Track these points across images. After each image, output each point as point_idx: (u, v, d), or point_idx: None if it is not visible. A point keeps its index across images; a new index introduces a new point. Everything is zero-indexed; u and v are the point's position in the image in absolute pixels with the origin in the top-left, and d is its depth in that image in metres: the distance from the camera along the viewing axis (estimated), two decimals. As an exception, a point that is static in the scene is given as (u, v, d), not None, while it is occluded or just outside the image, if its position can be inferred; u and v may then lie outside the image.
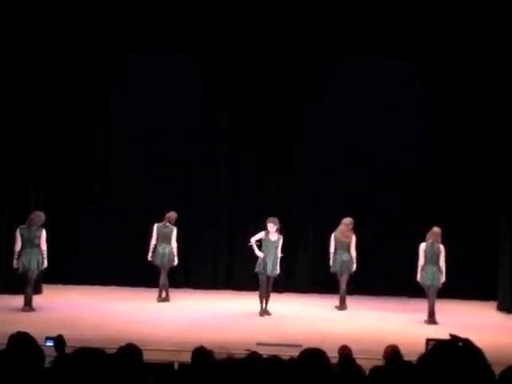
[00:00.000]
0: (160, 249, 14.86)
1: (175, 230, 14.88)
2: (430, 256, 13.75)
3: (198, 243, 16.40)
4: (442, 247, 13.80)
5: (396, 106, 16.34)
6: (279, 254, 14.08)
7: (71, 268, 16.06)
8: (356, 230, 14.74)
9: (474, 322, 13.32)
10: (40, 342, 4.35)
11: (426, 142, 16.32)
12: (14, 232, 13.74)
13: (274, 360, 4.92)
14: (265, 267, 13.93)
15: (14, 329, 4.41)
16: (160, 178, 16.31)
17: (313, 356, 4.46)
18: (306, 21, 15.65)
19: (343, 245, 14.64)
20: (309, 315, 13.93)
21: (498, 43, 15.13)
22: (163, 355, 9.56)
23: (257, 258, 14.03)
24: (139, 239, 15.45)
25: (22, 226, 13.68)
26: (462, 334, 2.72)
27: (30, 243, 13.59)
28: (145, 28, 15.68)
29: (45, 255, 13.68)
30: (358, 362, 7.29)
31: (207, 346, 6.73)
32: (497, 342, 10.93)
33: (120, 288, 15.72)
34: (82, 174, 16.63)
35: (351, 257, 14.63)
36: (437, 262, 13.72)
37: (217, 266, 16.63)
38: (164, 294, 14.94)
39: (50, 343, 8.02)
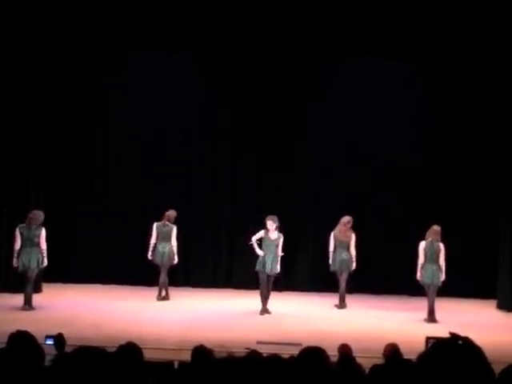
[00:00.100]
0: (160, 247, 14.86)
1: (175, 229, 14.88)
2: (430, 254, 13.75)
3: (197, 243, 16.41)
4: (441, 245, 13.80)
5: (396, 106, 16.34)
6: (280, 253, 14.09)
7: (71, 267, 16.06)
8: (356, 229, 14.74)
9: (473, 320, 13.31)
10: (40, 340, 4.35)
11: (426, 142, 16.32)
12: (14, 231, 13.75)
13: (274, 358, 4.93)
14: (264, 265, 13.94)
15: (13, 327, 4.41)
16: (160, 178, 16.30)
17: (313, 354, 4.46)
18: (306, 21, 15.65)
19: (343, 243, 14.65)
20: (309, 314, 13.93)
21: (497, 43, 15.13)
22: (163, 354, 9.54)
23: (257, 256, 14.06)
24: (139, 239, 15.46)
25: (22, 225, 13.68)
26: (462, 333, 2.72)
27: (30, 242, 13.59)
28: (145, 28, 15.68)
29: (44, 254, 13.68)
30: (358, 360, 7.30)
31: (207, 344, 6.75)
32: (496, 341, 10.92)
33: (120, 287, 15.72)
34: (82, 174, 16.63)
35: (351, 255, 14.64)
36: (436, 261, 13.72)
37: (217, 265, 16.64)
38: (164, 293, 14.94)
39: (49, 342, 8.04)
